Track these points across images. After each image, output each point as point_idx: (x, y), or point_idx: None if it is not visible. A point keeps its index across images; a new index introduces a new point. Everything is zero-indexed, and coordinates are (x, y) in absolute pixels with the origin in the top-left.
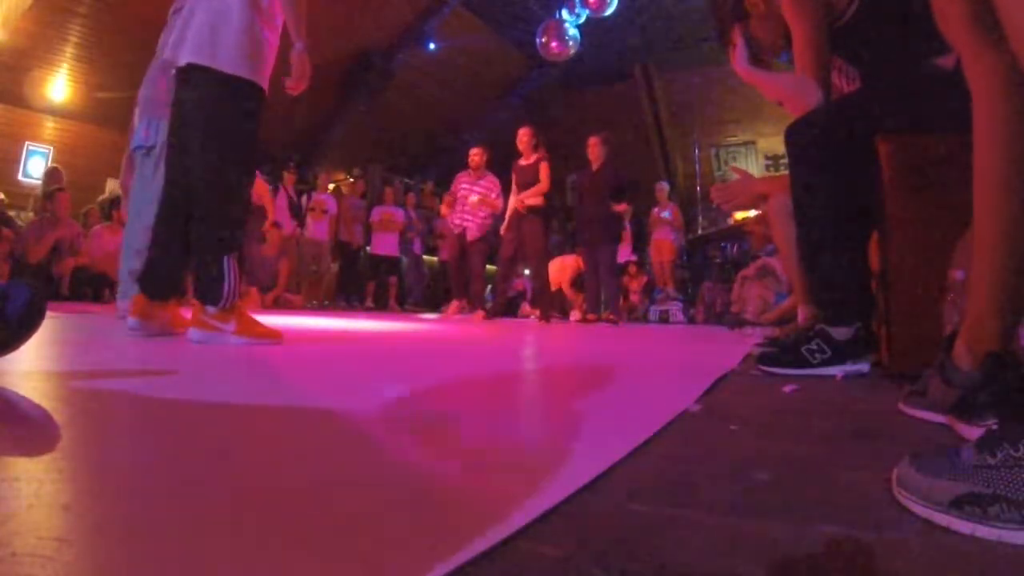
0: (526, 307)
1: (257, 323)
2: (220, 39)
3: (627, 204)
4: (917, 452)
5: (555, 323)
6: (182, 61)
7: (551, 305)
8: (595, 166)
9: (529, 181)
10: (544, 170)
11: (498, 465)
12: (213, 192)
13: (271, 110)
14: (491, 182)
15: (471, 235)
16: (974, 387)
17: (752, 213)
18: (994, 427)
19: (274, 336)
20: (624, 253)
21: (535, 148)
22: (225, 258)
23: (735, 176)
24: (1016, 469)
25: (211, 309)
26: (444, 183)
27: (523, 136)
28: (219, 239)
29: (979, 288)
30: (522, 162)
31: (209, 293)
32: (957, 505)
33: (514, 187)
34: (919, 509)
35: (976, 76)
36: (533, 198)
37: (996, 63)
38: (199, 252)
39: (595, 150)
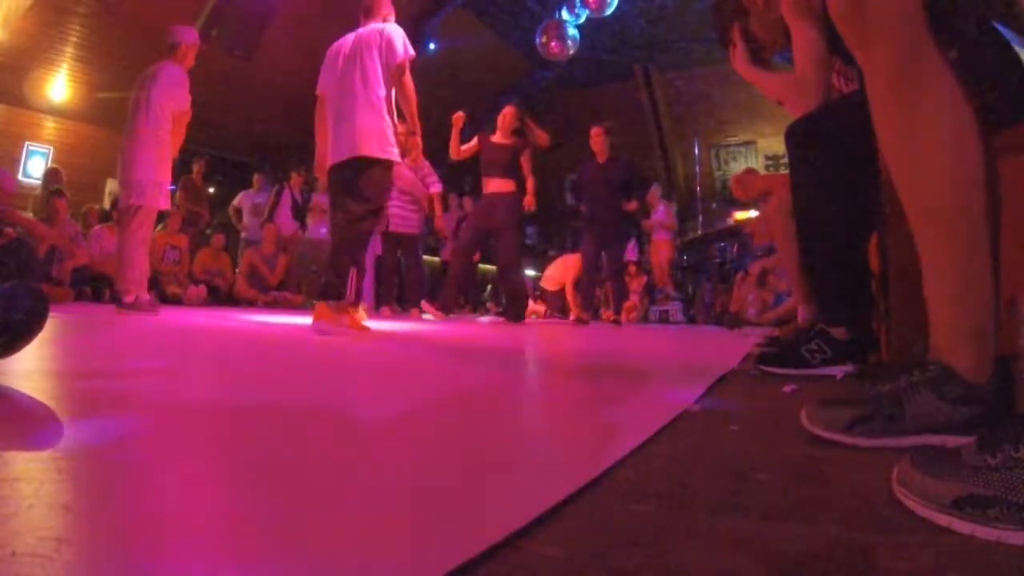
0: (530, 306)
1: (359, 322)
2: (384, 138)
3: (637, 203)
4: (919, 451)
5: (554, 323)
6: (362, 153)
7: (524, 306)
8: (600, 159)
9: (500, 161)
10: (527, 161)
11: (498, 465)
12: (355, 230)
13: (274, 111)
14: (426, 169)
15: (394, 228)
16: (987, 400)
17: (752, 213)
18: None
19: (366, 331)
20: (630, 253)
21: (515, 132)
22: (349, 272)
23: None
24: (1016, 470)
25: (333, 304)
26: (446, 183)
27: (508, 115)
28: (352, 260)
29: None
30: (494, 139)
31: (337, 293)
32: (957, 506)
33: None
34: (919, 509)
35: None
36: (508, 187)
37: (872, 64)
38: (335, 267)
39: (599, 141)
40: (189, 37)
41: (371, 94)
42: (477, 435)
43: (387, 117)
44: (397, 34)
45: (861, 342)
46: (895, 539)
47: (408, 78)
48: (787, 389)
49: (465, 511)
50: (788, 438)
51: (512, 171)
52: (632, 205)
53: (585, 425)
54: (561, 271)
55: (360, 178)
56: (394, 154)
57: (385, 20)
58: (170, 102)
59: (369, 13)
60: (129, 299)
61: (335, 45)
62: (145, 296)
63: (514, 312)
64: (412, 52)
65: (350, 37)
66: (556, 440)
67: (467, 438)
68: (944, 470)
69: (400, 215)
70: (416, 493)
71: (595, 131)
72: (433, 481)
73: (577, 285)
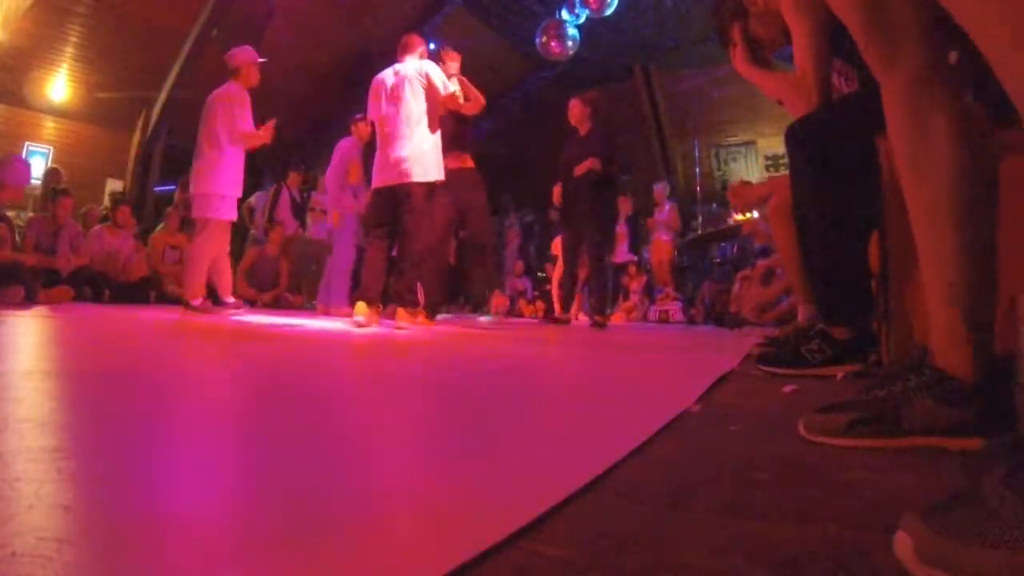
0: (524, 306)
1: (429, 320)
2: (427, 164)
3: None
4: (928, 508)
5: (533, 324)
6: (414, 180)
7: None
8: (582, 132)
9: (447, 133)
10: (465, 84)
11: (498, 465)
12: (422, 247)
13: (273, 111)
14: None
15: None
16: (984, 401)
17: (755, 214)
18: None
19: (432, 325)
20: (623, 253)
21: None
22: (416, 285)
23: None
24: None
25: (409, 309)
26: None
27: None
28: (419, 273)
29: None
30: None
31: (409, 302)
32: None
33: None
34: None
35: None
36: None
37: (892, 83)
38: (405, 279)
39: (576, 112)
40: (247, 56)
41: (414, 125)
42: (477, 435)
43: (429, 143)
44: (434, 72)
45: (861, 342)
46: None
47: (455, 99)
48: (787, 389)
49: (465, 511)
50: (788, 438)
51: (465, 143)
52: (609, 169)
53: (585, 425)
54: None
55: (409, 203)
56: (436, 175)
57: (421, 56)
58: (228, 122)
59: (406, 49)
60: (196, 302)
61: (379, 77)
62: (201, 299)
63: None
64: (451, 87)
65: (391, 71)
66: (556, 440)
67: (467, 438)
68: (982, 531)
69: None
70: (416, 493)
71: (572, 103)
72: (433, 481)
73: (560, 283)
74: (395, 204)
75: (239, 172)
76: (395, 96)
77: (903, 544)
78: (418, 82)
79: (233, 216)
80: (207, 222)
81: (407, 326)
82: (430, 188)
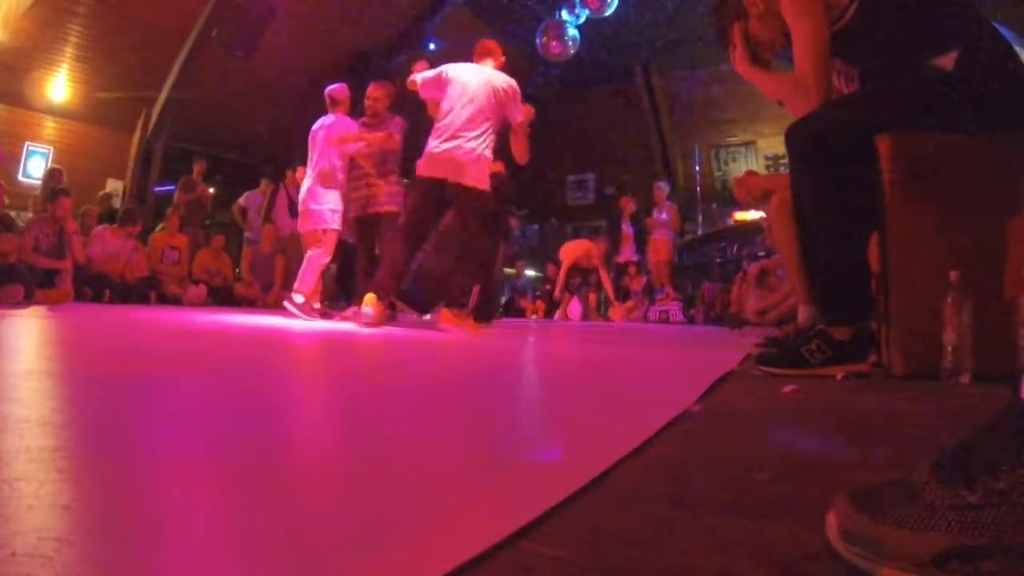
0: (526, 306)
1: (474, 324)
2: (483, 171)
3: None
4: (857, 489)
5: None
6: (471, 183)
7: (492, 303)
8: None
9: None
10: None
11: (499, 465)
12: (472, 251)
13: (274, 111)
14: (394, 125)
15: (379, 205)
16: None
17: (753, 214)
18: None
19: (480, 330)
20: (627, 252)
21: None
22: (472, 285)
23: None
24: (1006, 506)
25: (455, 311)
26: None
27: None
28: (474, 277)
29: None
30: None
31: (460, 304)
32: (940, 564)
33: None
34: (888, 573)
35: None
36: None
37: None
38: (461, 279)
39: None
40: (345, 93)
41: (483, 129)
42: (477, 435)
43: (487, 151)
44: (517, 92)
45: (861, 342)
46: None
47: (524, 127)
48: (787, 389)
49: (465, 511)
50: (788, 438)
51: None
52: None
53: (585, 425)
54: (565, 252)
55: (463, 205)
56: (486, 184)
57: (499, 67)
58: (337, 148)
59: (487, 55)
60: (300, 300)
61: (456, 67)
62: (312, 302)
63: (478, 306)
64: (531, 110)
65: (475, 68)
66: (556, 440)
67: (467, 438)
68: (906, 514)
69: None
70: (416, 493)
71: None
72: (433, 481)
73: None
74: (441, 198)
75: (340, 190)
76: (476, 95)
77: (831, 523)
78: (503, 93)
79: (341, 225)
80: (326, 233)
81: (449, 328)
82: (485, 196)
